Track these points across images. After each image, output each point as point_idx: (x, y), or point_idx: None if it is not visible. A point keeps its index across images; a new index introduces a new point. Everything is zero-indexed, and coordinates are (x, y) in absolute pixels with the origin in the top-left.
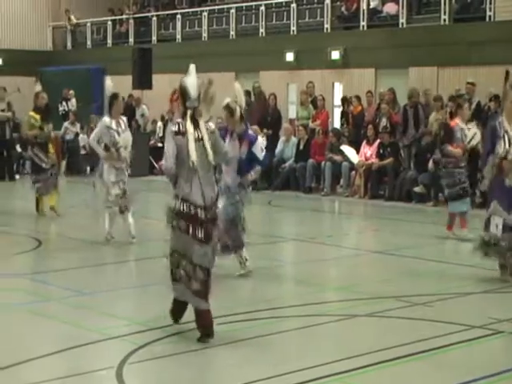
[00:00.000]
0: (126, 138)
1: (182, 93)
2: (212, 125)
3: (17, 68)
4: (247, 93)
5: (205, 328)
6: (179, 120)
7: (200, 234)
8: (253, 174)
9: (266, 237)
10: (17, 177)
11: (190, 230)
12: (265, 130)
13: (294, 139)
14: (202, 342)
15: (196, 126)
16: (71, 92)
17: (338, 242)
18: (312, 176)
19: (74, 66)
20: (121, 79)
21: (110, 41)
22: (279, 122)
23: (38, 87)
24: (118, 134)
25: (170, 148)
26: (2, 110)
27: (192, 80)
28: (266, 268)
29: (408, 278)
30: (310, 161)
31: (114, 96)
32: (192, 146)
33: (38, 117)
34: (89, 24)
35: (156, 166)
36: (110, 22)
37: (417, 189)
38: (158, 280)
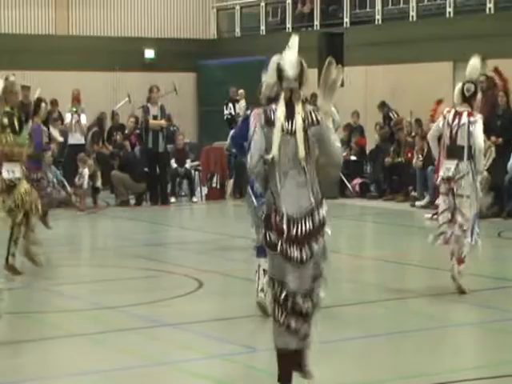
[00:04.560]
0: None
1: (278, 70)
2: (319, 113)
3: (172, 61)
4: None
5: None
6: (273, 106)
7: (294, 253)
8: None
9: (497, 280)
10: (172, 200)
11: (283, 248)
12: (493, 138)
13: None
14: None
15: (291, 113)
16: (240, 91)
17: None
18: None
19: (243, 57)
20: None
21: (289, 25)
22: None
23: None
24: None
25: (256, 141)
26: (155, 117)
27: (291, 55)
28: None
29: None
30: None
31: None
32: (277, 138)
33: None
34: (263, 3)
35: (349, 186)
36: (289, 1)
37: None
38: None
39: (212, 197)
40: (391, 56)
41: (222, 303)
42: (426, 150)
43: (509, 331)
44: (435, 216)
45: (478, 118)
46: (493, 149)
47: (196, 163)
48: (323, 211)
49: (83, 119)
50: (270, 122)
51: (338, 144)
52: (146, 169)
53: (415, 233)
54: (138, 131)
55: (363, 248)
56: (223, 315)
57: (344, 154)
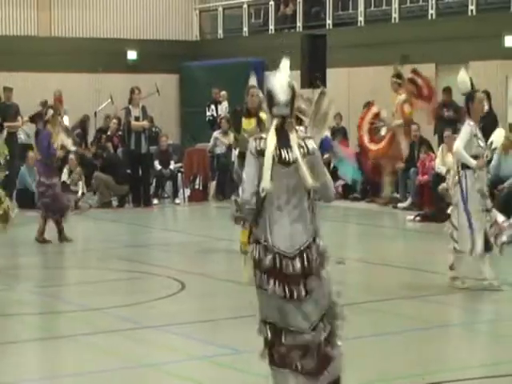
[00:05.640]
0: None
1: (268, 96)
2: (312, 143)
3: (155, 63)
4: (448, 90)
5: None
6: (263, 134)
7: (291, 293)
8: None
9: (478, 281)
10: (155, 202)
11: (277, 288)
12: None
13: None
14: None
15: (284, 142)
16: (223, 93)
17: None
18: None
19: (226, 59)
20: None
21: (271, 26)
22: (494, 128)
23: None
24: None
25: (249, 172)
26: (136, 118)
27: (282, 79)
28: None
29: None
30: None
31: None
32: (267, 169)
33: None
34: (245, 5)
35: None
36: (272, 2)
37: None
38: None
39: (195, 198)
40: (374, 58)
41: (205, 305)
42: (408, 151)
43: (490, 332)
44: (417, 218)
45: (466, 124)
46: None
47: (179, 165)
48: (320, 246)
49: (66, 121)
50: (260, 153)
51: (329, 176)
52: (128, 170)
53: (397, 234)
54: (120, 133)
55: (346, 249)
56: (206, 317)
57: (326, 156)
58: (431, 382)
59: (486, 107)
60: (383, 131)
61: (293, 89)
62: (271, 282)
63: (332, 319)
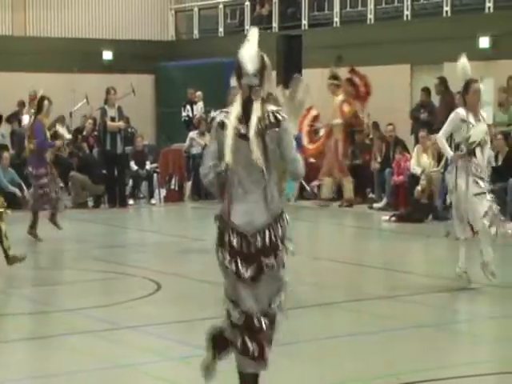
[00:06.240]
0: None
1: (237, 67)
2: (281, 113)
3: (130, 63)
4: (426, 90)
5: None
6: (230, 107)
7: (245, 272)
8: None
9: (453, 281)
10: (130, 202)
11: (233, 266)
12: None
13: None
14: None
15: (247, 114)
16: (198, 93)
17: None
18: None
19: (201, 59)
20: None
21: (247, 27)
22: None
23: None
24: None
25: (210, 146)
26: (112, 119)
27: (250, 48)
28: None
29: None
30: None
31: None
32: (229, 142)
33: None
34: (221, 5)
35: (307, 187)
36: (247, 3)
37: None
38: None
39: (170, 199)
40: (349, 58)
41: (181, 305)
42: (384, 151)
43: (465, 332)
44: (393, 218)
45: (454, 111)
46: None
47: (155, 165)
48: (282, 226)
49: None
50: (223, 125)
51: (298, 155)
52: (104, 171)
53: (373, 234)
54: (96, 133)
55: (321, 250)
56: (182, 317)
57: None
58: (406, 382)
59: (484, 97)
60: (322, 132)
61: (262, 59)
62: (227, 258)
63: (276, 309)
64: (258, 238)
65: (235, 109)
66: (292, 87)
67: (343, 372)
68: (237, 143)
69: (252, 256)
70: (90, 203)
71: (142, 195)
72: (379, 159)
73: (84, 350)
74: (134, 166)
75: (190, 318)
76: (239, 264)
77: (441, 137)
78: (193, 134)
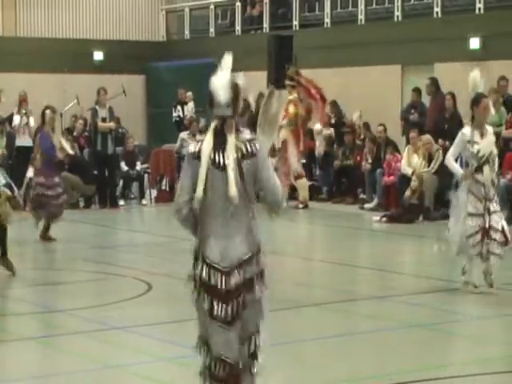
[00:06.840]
0: None
1: (209, 96)
2: (256, 145)
3: (121, 63)
4: (417, 91)
5: None
6: (202, 136)
7: (220, 312)
8: None
9: (442, 282)
10: (121, 202)
11: (207, 306)
12: (440, 141)
13: None
14: None
15: (221, 144)
16: (189, 94)
17: None
18: (506, 202)
19: (192, 60)
20: (253, 76)
21: (238, 27)
22: (459, 129)
23: None
24: None
25: (184, 178)
26: (103, 119)
27: (222, 78)
28: None
29: None
30: (502, 181)
31: None
32: (202, 174)
33: None
34: (212, 6)
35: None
36: (238, 3)
37: None
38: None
39: (161, 199)
40: (340, 59)
41: (171, 306)
42: (374, 152)
43: (456, 332)
44: (383, 218)
45: (460, 132)
46: (440, 152)
47: (145, 166)
48: (260, 261)
49: (32, 121)
50: (196, 156)
51: (277, 181)
52: (94, 171)
53: (364, 235)
54: (86, 133)
55: (312, 250)
56: (172, 318)
57: None
58: (398, 382)
59: (493, 112)
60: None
61: (235, 88)
62: (201, 296)
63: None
64: (236, 274)
65: (208, 139)
66: (266, 100)
67: (334, 372)
68: (212, 174)
69: (229, 295)
70: (81, 204)
71: (132, 196)
72: (370, 160)
73: (74, 351)
74: (124, 166)
75: (181, 319)
76: (216, 303)
77: (449, 158)
78: (184, 134)
